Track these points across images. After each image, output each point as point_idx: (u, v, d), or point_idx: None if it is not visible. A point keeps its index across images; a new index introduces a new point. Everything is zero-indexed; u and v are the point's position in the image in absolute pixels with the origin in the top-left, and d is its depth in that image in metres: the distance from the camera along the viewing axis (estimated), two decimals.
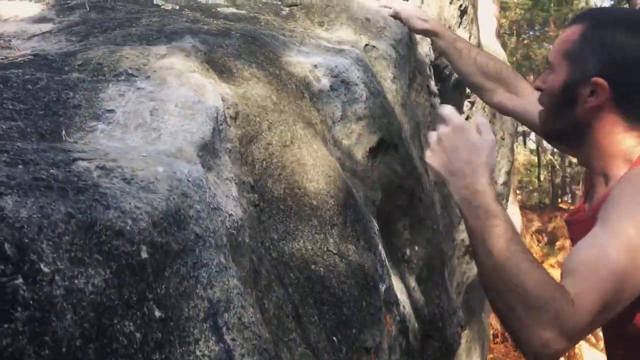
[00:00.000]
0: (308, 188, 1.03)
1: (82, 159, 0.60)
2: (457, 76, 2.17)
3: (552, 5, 13.45)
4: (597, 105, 1.03)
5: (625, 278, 0.83)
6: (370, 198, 1.31)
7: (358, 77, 1.38)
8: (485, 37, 3.74)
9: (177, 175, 0.64)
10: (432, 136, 0.96)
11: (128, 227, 0.52)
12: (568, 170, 15.97)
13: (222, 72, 1.04)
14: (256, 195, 0.92)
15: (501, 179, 3.15)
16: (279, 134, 1.05)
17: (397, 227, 1.47)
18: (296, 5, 1.68)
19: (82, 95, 0.79)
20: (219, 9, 1.51)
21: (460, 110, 2.25)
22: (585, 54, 1.05)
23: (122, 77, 0.86)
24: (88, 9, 1.34)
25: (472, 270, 3.14)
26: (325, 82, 1.31)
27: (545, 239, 10.62)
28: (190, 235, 0.62)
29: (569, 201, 15.91)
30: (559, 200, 15.61)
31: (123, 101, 0.80)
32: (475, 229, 0.88)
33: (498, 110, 1.62)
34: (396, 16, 1.68)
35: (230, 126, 0.94)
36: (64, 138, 0.69)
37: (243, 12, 1.53)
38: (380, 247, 1.19)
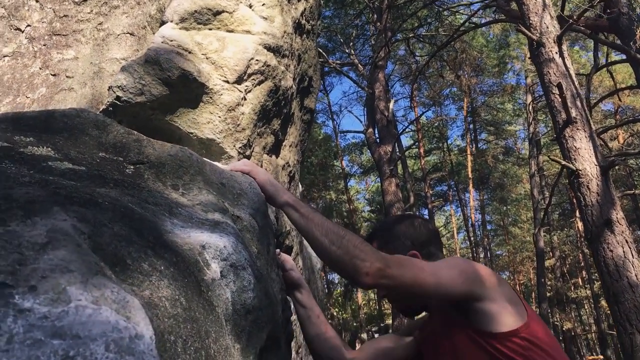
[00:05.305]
0: None
1: None
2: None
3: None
4: None
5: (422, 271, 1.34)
6: None
7: (246, 259, 1.11)
8: None
9: None
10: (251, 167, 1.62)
11: None
12: None
13: (116, 264, 0.69)
14: None
15: None
16: (195, 357, 0.72)
17: None
18: (142, 163, 1.38)
19: None
20: (50, 163, 1.12)
21: None
22: (396, 246, 1.63)
23: None
24: None
25: None
26: (216, 268, 1.01)
27: None
28: None
29: None
30: None
31: (1, 341, 0.41)
32: (312, 217, 1.43)
33: None
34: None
35: None
36: None
37: (83, 168, 1.17)
38: None
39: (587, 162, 5.68)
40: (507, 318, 1.35)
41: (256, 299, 1.10)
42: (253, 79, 1.96)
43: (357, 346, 22.34)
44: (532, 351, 1.30)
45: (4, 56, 2.48)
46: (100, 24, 2.49)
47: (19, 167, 1.04)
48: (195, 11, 1.92)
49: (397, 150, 15.65)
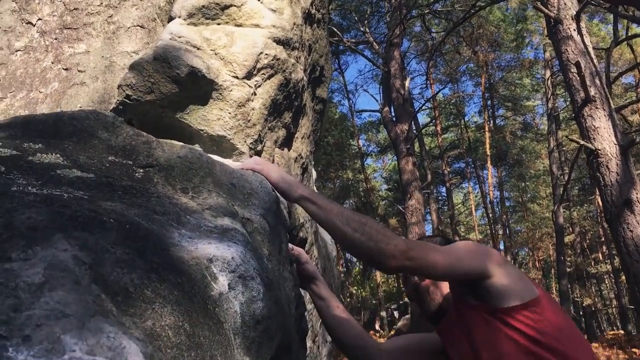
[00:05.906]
0: None
1: None
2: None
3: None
4: None
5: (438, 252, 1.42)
6: None
7: (254, 269, 1.10)
8: None
9: None
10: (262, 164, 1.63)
11: None
12: None
13: (117, 294, 0.68)
14: None
15: None
16: None
17: None
18: (152, 166, 1.37)
19: None
20: (59, 171, 1.12)
21: None
22: None
23: None
24: None
25: None
26: (223, 281, 1.00)
27: None
28: None
29: None
30: None
31: None
32: (331, 208, 1.45)
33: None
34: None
35: None
36: None
37: (92, 176, 1.17)
38: None
39: (606, 142, 5.58)
40: (516, 293, 1.40)
41: (265, 308, 1.10)
42: (263, 74, 1.93)
43: (377, 324, 22.50)
44: (543, 324, 1.34)
45: (17, 50, 2.48)
46: (110, 16, 2.47)
47: (27, 178, 1.05)
48: (203, 6, 1.89)
49: (414, 128, 15.52)
